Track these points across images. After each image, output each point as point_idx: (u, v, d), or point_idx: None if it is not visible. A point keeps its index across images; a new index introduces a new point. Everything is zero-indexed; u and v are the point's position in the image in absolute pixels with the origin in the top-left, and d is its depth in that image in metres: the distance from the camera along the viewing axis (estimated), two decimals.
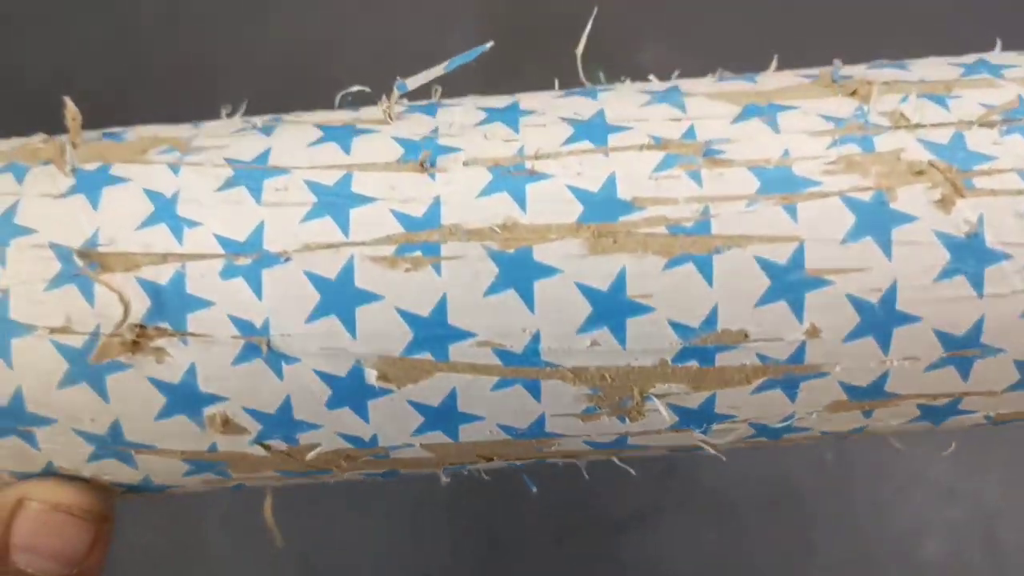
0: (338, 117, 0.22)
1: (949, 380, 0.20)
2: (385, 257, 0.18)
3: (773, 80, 0.21)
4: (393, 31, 0.60)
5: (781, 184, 0.18)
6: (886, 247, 0.18)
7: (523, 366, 0.19)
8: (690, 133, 0.19)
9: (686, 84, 0.22)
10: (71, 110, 0.21)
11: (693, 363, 0.19)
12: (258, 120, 0.22)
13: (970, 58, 0.22)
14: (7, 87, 0.59)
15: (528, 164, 0.19)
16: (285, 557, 0.45)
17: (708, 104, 0.20)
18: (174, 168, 0.20)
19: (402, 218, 0.19)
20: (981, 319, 0.19)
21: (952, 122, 0.19)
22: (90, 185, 0.20)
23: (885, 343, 0.19)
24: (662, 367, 0.19)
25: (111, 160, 0.20)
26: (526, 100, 0.22)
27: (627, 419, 0.20)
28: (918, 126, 0.19)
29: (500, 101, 0.22)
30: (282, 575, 0.45)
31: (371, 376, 0.19)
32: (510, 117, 0.20)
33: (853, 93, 0.20)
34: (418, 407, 0.20)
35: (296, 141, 0.20)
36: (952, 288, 0.18)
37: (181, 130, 0.22)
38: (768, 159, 0.19)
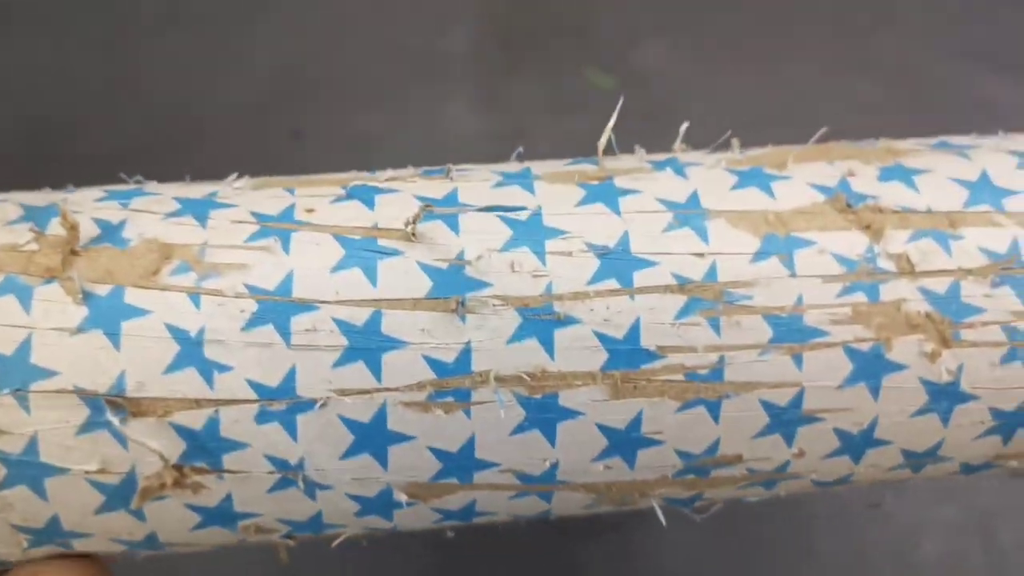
0: (356, 219, 0.20)
1: (903, 474, 0.23)
2: (418, 402, 0.19)
3: (789, 192, 0.21)
4: (393, 31, 0.60)
5: (792, 334, 0.20)
6: (875, 392, 0.20)
7: (540, 484, 0.21)
8: (711, 273, 0.20)
9: (704, 184, 0.21)
10: (68, 219, 0.19)
11: (691, 476, 0.21)
12: (269, 206, 0.20)
13: (974, 169, 0.22)
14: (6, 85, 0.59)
15: (556, 307, 0.19)
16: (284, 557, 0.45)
17: (729, 234, 0.20)
18: (193, 298, 0.19)
19: (434, 364, 0.19)
20: (941, 441, 0.22)
21: (952, 269, 0.21)
22: (106, 318, 0.19)
23: (858, 459, 0.22)
24: (663, 479, 0.21)
25: (121, 280, 0.19)
26: (548, 203, 0.21)
27: (623, 507, 0.23)
28: (921, 274, 0.20)
29: (520, 202, 0.21)
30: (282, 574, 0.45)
31: (400, 496, 0.20)
32: (536, 239, 0.20)
33: (867, 227, 0.21)
34: (440, 511, 0.21)
35: (318, 262, 0.19)
36: (923, 422, 0.21)
37: (187, 229, 0.20)
38: (783, 307, 0.20)
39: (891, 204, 0.21)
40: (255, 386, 0.19)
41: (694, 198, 0.21)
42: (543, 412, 0.20)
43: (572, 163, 0.23)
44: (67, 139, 0.57)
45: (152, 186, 0.22)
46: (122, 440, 0.19)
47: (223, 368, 0.19)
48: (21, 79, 0.60)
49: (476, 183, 0.21)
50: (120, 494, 0.19)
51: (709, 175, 0.22)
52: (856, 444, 0.21)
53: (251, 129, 0.56)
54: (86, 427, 0.19)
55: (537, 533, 0.44)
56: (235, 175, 0.22)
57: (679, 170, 0.22)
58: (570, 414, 0.20)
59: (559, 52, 0.58)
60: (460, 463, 0.20)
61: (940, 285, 0.20)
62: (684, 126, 0.23)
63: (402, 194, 0.21)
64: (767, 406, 0.20)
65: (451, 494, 0.21)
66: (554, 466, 0.20)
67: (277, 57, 0.60)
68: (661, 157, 0.23)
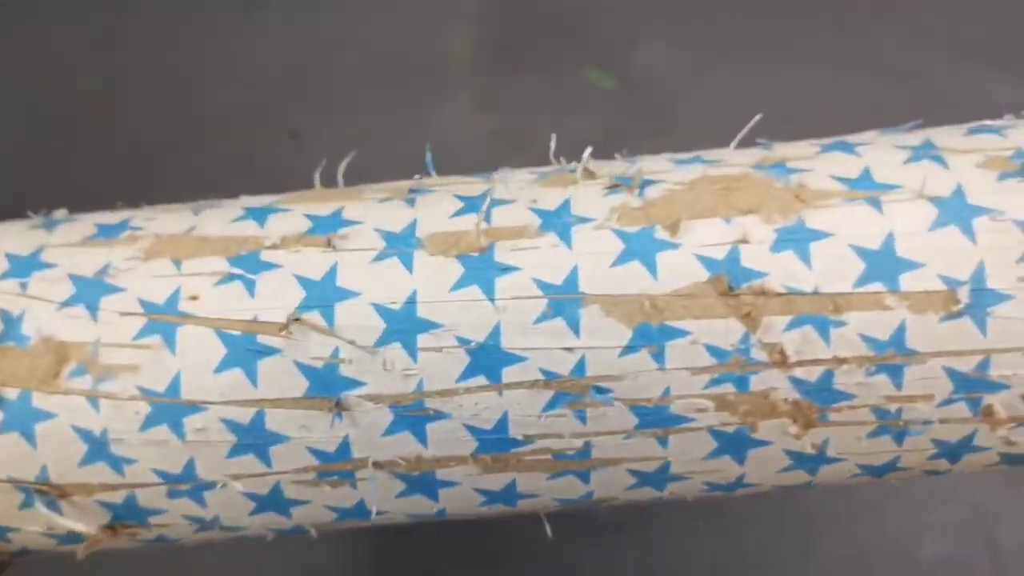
0: (238, 309, 0.21)
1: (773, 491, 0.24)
2: (307, 480, 0.22)
3: (673, 268, 0.21)
4: (392, 31, 0.60)
5: (658, 421, 0.21)
6: (740, 461, 0.22)
7: (433, 518, 0.23)
8: (580, 368, 0.20)
9: (586, 257, 0.21)
10: None
11: (573, 505, 0.23)
12: (156, 289, 0.22)
13: (881, 230, 0.20)
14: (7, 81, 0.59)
15: (427, 403, 0.21)
16: (282, 556, 0.45)
17: (601, 324, 0.20)
18: (92, 401, 0.21)
19: (317, 453, 0.21)
20: (811, 482, 0.23)
21: (827, 359, 0.20)
22: (20, 421, 0.21)
23: (731, 493, 0.23)
24: (547, 507, 0.23)
25: (27, 383, 0.21)
26: (424, 286, 0.21)
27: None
28: (794, 364, 0.20)
29: (397, 289, 0.21)
30: (280, 572, 0.45)
31: (312, 532, 0.23)
32: (409, 337, 0.21)
33: (746, 315, 0.20)
34: (349, 530, 0.24)
35: (202, 362, 0.21)
36: (792, 476, 0.22)
37: (80, 324, 0.21)
38: (649, 399, 0.21)
39: (777, 284, 0.20)
40: (160, 473, 0.21)
41: (573, 278, 0.21)
42: (422, 484, 0.22)
43: (460, 212, 0.22)
44: (67, 139, 0.57)
45: (55, 243, 0.23)
46: (59, 513, 0.22)
47: (129, 461, 0.21)
48: (21, 79, 0.60)
49: (358, 253, 0.21)
50: (70, 540, 0.23)
51: (595, 241, 0.21)
52: (727, 488, 0.23)
53: (250, 129, 0.56)
54: (25, 505, 0.22)
55: (535, 532, 0.44)
56: (131, 252, 0.23)
57: (565, 232, 0.21)
58: (448, 484, 0.22)
59: (559, 52, 0.58)
60: (356, 514, 0.22)
61: (812, 374, 0.20)
62: (587, 153, 0.22)
63: (283, 271, 0.21)
64: (635, 473, 0.22)
65: (356, 526, 0.23)
66: (442, 510, 0.23)
67: (277, 57, 0.60)
68: (555, 201, 0.22)
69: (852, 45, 0.58)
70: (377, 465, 0.21)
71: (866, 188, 0.21)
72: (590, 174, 0.22)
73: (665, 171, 0.22)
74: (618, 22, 0.59)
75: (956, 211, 0.20)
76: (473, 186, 0.22)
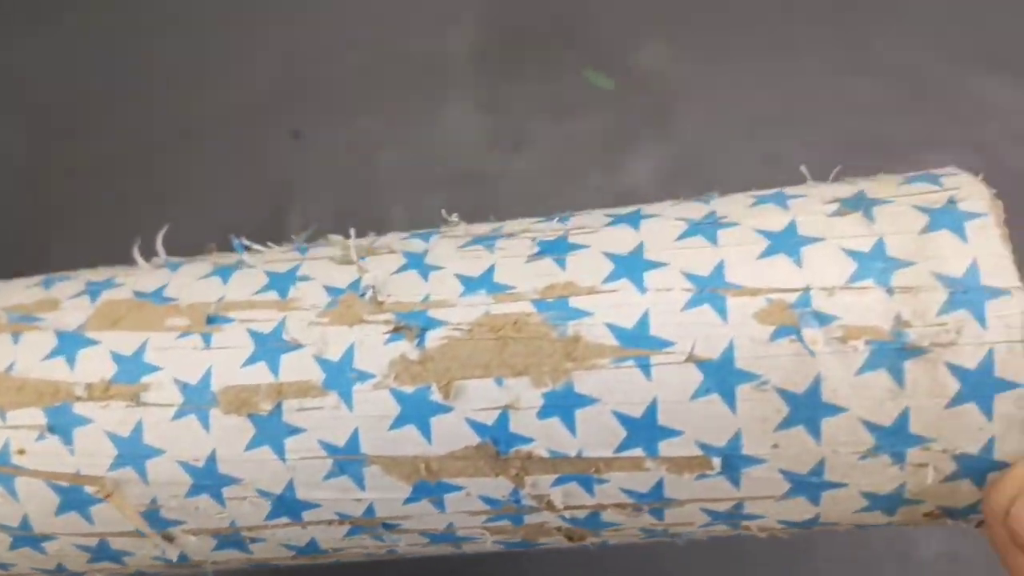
0: (61, 463, 0.24)
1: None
2: (163, 572, 0.26)
3: (445, 433, 0.22)
4: (393, 32, 0.60)
5: (447, 540, 0.24)
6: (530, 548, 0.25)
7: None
8: (369, 511, 0.23)
9: (364, 421, 0.22)
10: None
11: None
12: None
13: (645, 397, 0.21)
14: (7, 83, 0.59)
15: (244, 534, 0.24)
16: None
17: (383, 480, 0.22)
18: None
19: (161, 560, 0.25)
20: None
21: (592, 504, 0.22)
22: None
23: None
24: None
25: None
26: (222, 446, 0.23)
27: None
28: (563, 509, 0.23)
29: (198, 448, 0.23)
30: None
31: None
32: (215, 490, 0.23)
33: (515, 476, 0.22)
34: None
35: (42, 507, 0.24)
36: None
37: None
38: (436, 529, 0.24)
39: (543, 450, 0.22)
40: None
41: (354, 440, 0.22)
42: (264, 566, 0.26)
43: (251, 359, 0.23)
44: (67, 139, 0.57)
45: None
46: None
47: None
48: (21, 79, 0.60)
49: (160, 409, 0.23)
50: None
51: (373, 404, 0.22)
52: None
53: (251, 129, 0.56)
54: None
55: None
56: None
57: (347, 391, 0.22)
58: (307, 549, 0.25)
59: (559, 52, 0.58)
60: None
61: (580, 514, 0.23)
62: (371, 292, 0.23)
63: (95, 427, 0.23)
64: (440, 559, 0.26)
65: None
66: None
67: (277, 57, 0.60)
68: (340, 348, 0.22)
69: (852, 45, 0.58)
70: (215, 563, 0.25)
71: (638, 345, 0.21)
72: (378, 305, 0.23)
73: (450, 303, 0.22)
74: (618, 22, 0.59)
75: (720, 377, 0.20)
76: (271, 312, 0.23)
